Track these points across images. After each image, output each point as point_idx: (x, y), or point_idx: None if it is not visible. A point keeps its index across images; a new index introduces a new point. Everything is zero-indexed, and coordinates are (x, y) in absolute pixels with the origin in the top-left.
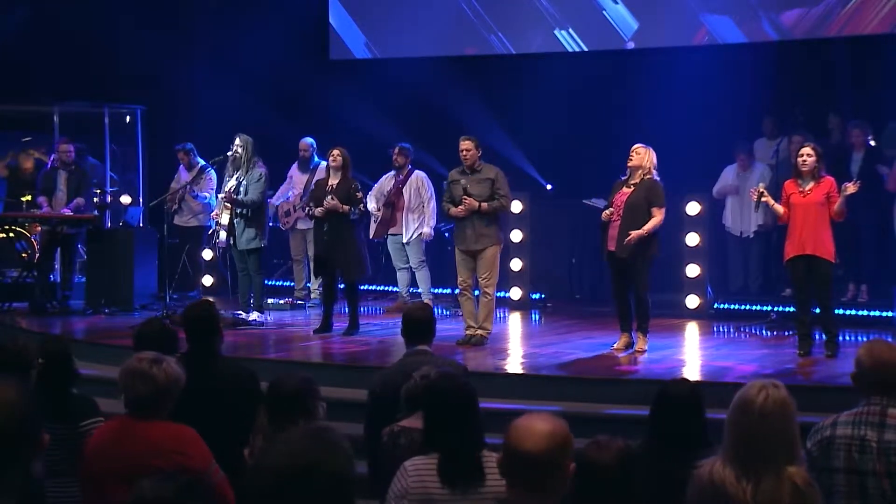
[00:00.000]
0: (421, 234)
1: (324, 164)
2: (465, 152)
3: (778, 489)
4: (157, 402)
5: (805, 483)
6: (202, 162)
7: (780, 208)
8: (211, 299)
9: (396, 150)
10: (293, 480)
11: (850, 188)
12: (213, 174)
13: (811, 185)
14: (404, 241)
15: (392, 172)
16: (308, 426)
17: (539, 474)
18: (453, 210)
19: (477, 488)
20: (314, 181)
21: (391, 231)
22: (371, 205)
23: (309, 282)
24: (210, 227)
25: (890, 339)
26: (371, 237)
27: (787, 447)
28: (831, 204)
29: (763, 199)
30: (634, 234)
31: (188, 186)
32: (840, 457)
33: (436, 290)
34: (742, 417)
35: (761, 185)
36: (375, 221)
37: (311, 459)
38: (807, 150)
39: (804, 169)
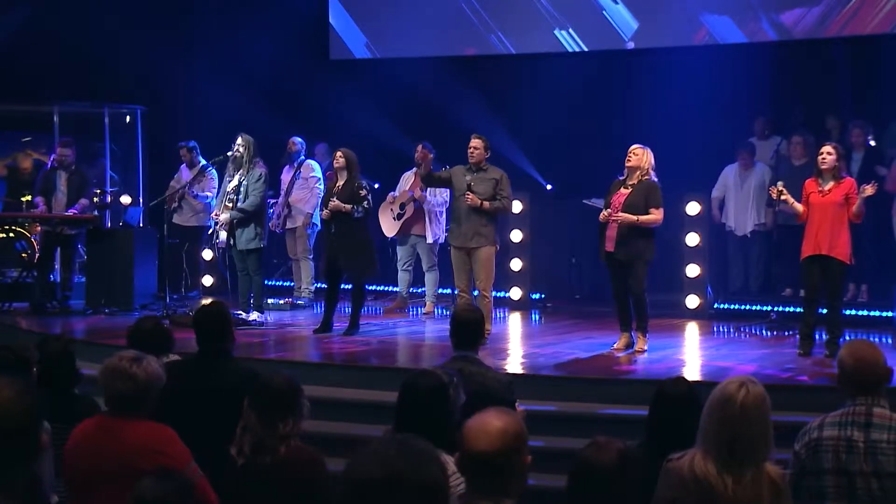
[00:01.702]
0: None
1: (308, 161)
2: (472, 149)
3: (759, 483)
4: (138, 401)
5: (781, 479)
6: (203, 161)
7: (799, 207)
8: (222, 301)
9: (420, 149)
10: (385, 491)
11: (869, 190)
12: (214, 174)
13: (831, 184)
14: (429, 241)
15: (413, 170)
16: (396, 436)
17: (495, 472)
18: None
19: None
20: (312, 183)
21: (412, 231)
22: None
23: (316, 281)
24: (210, 226)
25: (890, 340)
26: (390, 236)
27: (765, 442)
28: (850, 205)
29: (783, 197)
30: (623, 216)
31: (188, 186)
32: (828, 458)
33: (437, 291)
34: (723, 413)
35: (780, 183)
36: (397, 219)
37: (403, 469)
38: (827, 148)
39: (823, 167)
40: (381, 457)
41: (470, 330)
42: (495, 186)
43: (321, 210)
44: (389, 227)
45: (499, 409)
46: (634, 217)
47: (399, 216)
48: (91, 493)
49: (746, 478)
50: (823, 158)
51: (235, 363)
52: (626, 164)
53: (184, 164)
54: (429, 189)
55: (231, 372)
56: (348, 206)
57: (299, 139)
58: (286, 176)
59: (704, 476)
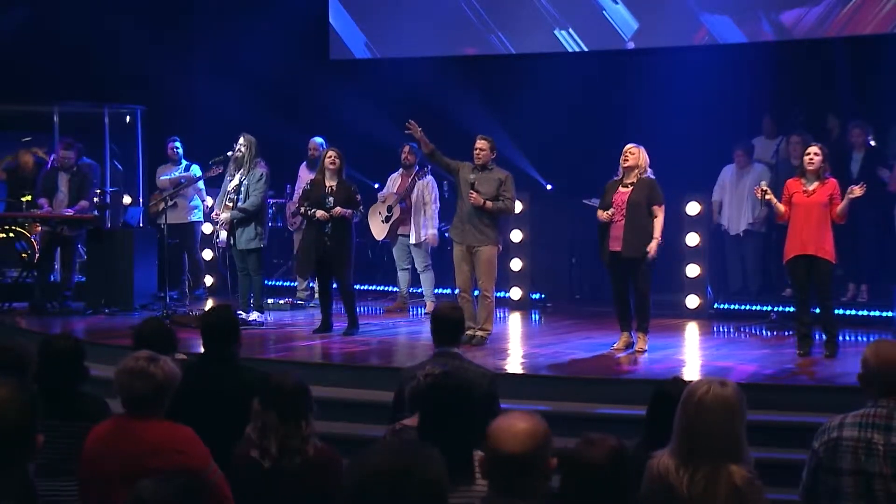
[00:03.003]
0: (426, 237)
1: None
2: (478, 151)
3: (712, 483)
4: (156, 400)
5: (745, 482)
6: (185, 162)
7: (781, 207)
8: (229, 304)
9: (406, 150)
10: (394, 482)
11: (857, 191)
12: (195, 171)
13: (815, 185)
14: (412, 242)
15: (399, 171)
16: (401, 435)
17: (521, 473)
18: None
19: (465, 487)
20: (309, 181)
21: (399, 231)
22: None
23: (313, 282)
24: (202, 222)
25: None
26: (379, 239)
27: (726, 444)
28: (834, 206)
29: (766, 197)
30: (653, 247)
31: (185, 184)
32: (847, 458)
33: (436, 291)
34: (683, 409)
35: (763, 182)
36: (385, 222)
37: (410, 462)
38: (814, 149)
39: (810, 168)
40: (389, 451)
41: (451, 327)
42: (499, 187)
43: (308, 208)
44: (379, 230)
45: (523, 412)
46: (657, 236)
47: (387, 218)
48: (111, 494)
49: (700, 475)
50: (811, 159)
51: (241, 366)
52: (623, 164)
53: (162, 166)
54: (416, 193)
55: (236, 375)
56: (349, 212)
57: (319, 140)
58: (306, 174)
59: (665, 472)
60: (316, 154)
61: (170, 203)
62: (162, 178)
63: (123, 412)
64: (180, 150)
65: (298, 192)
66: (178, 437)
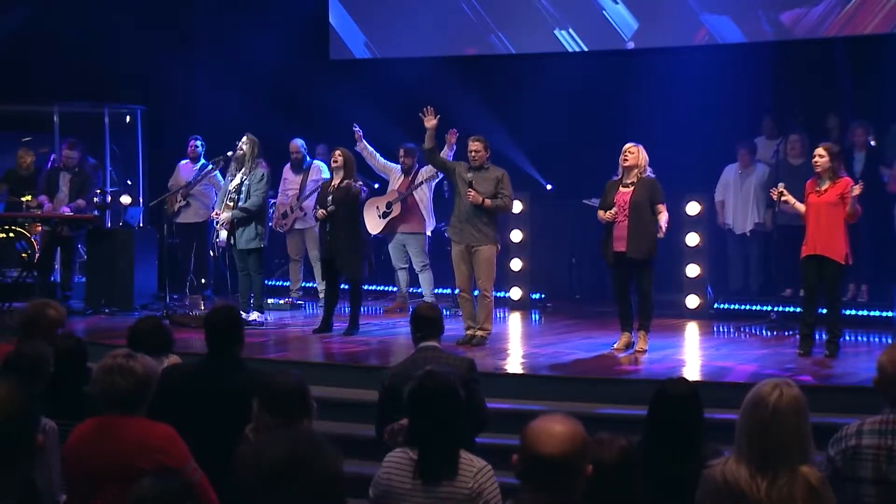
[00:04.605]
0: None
1: (316, 163)
2: (473, 153)
3: (793, 487)
4: (138, 396)
5: (819, 483)
6: (204, 161)
7: (801, 207)
8: (233, 304)
9: (403, 152)
10: (283, 475)
11: (856, 189)
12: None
13: (827, 185)
14: (428, 233)
15: (399, 167)
16: (293, 429)
17: (557, 477)
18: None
19: (445, 485)
20: (320, 183)
21: (400, 230)
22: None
23: (305, 282)
24: (214, 223)
25: (890, 339)
26: (373, 233)
27: (800, 446)
28: (845, 205)
29: (784, 198)
30: (662, 223)
31: (195, 184)
32: (868, 467)
33: (436, 290)
34: (755, 415)
35: (781, 185)
36: (382, 217)
37: (306, 452)
38: (819, 150)
39: (818, 169)
40: (284, 441)
41: (429, 323)
42: (496, 185)
43: (317, 209)
44: (374, 224)
45: (559, 414)
46: (663, 226)
47: (385, 214)
48: (92, 492)
49: (780, 482)
50: (816, 161)
51: (243, 366)
52: (623, 164)
53: (184, 161)
54: (417, 192)
55: (238, 374)
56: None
57: (300, 141)
58: (292, 176)
59: (736, 480)
60: (298, 156)
61: (182, 203)
62: (180, 177)
63: (105, 412)
64: (200, 149)
65: (284, 194)
66: (157, 435)
